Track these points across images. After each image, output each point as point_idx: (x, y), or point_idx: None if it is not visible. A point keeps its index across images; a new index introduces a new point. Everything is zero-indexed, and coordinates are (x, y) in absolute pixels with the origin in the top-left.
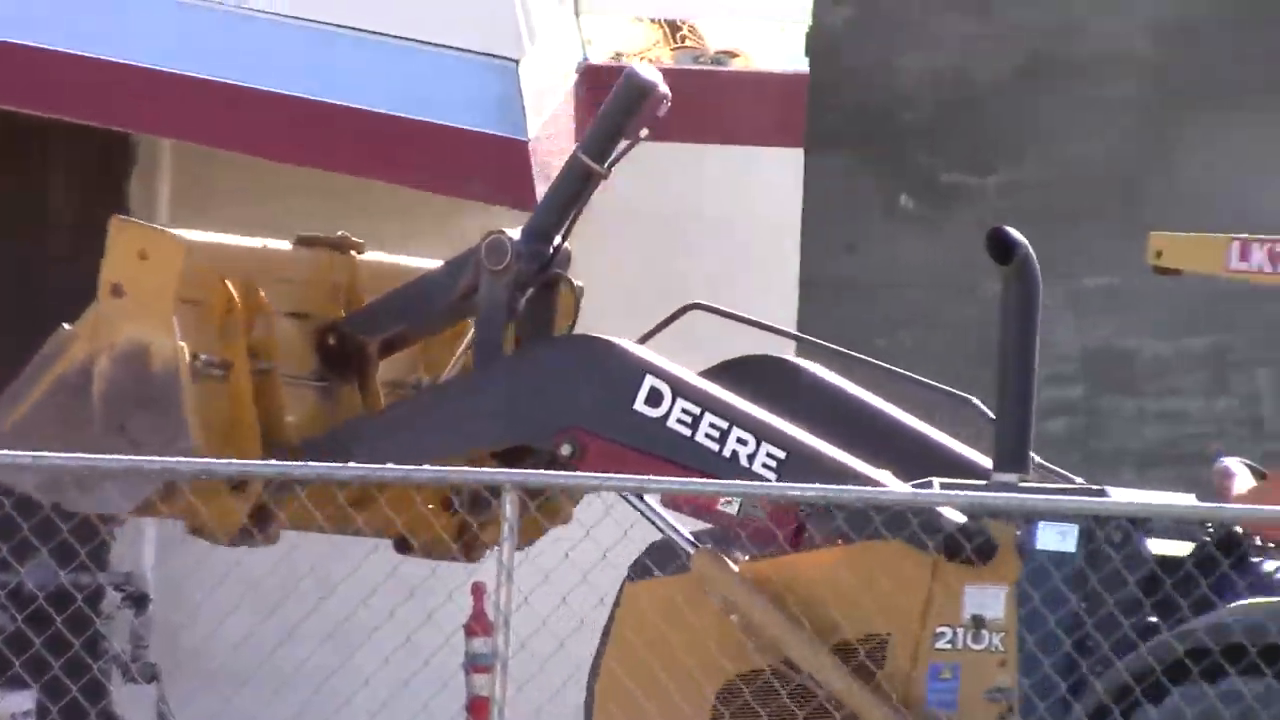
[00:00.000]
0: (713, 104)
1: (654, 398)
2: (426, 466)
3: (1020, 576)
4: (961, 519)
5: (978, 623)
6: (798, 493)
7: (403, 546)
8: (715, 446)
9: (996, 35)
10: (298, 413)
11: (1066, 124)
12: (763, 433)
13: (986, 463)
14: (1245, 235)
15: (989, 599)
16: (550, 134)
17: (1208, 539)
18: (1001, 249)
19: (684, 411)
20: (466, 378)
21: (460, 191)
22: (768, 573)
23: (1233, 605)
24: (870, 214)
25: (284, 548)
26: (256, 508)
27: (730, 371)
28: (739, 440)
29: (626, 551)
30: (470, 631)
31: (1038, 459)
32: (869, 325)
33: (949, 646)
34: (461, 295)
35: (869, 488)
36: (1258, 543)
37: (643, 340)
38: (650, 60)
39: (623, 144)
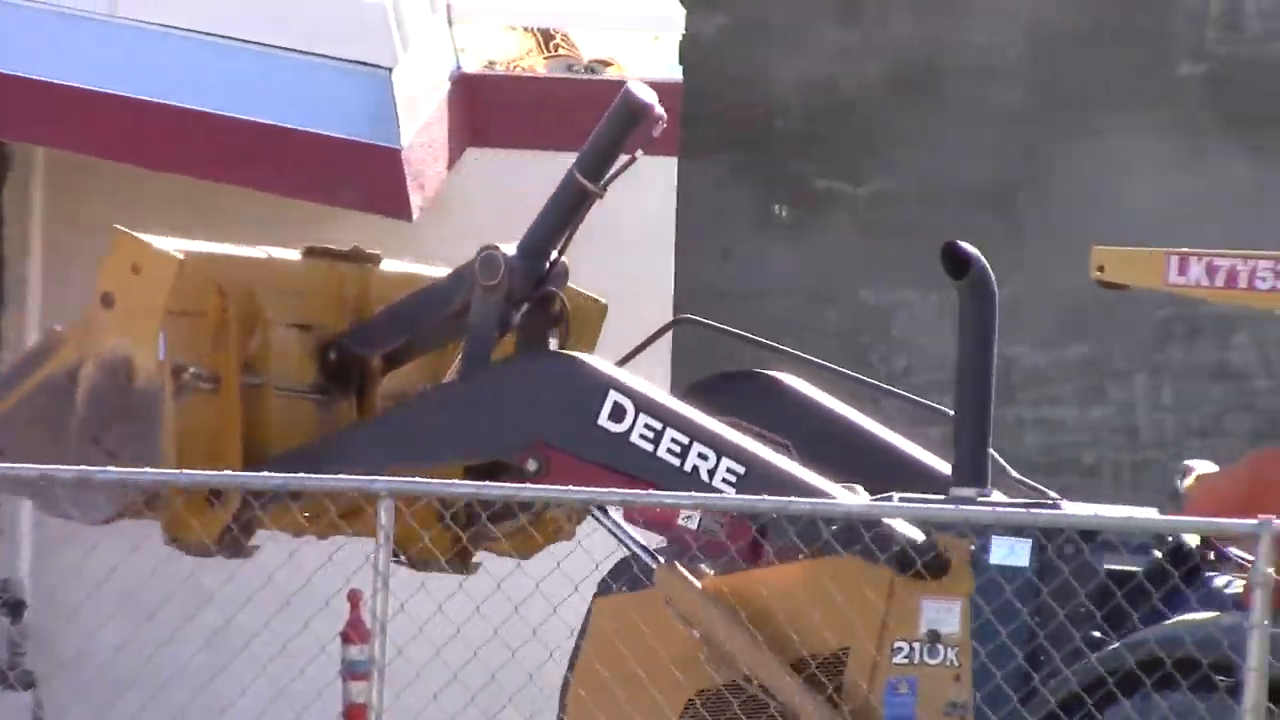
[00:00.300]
0: (586, 113)
1: (617, 413)
2: (304, 475)
3: (974, 591)
4: (919, 534)
5: (933, 637)
6: (749, 505)
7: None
8: (676, 461)
9: (870, 44)
10: (295, 425)
11: (940, 133)
12: (723, 448)
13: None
14: (1184, 249)
15: (944, 614)
16: (424, 142)
17: (1159, 553)
18: (956, 264)
19: (646, 427)
20: (439, 392)
21: (333, 199)
22: (729, 588)
23: (1162, 624)
24: (744, 221)
25: (161, 554)
26: (241, 519)
27: (713, 386)
28: (699, 455)
29: (503, 559)
30: (346, 639)
31: (1014, 474)
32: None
33: (906, 661)
34: (458, 310)
35: (822, 500)
36: (1211, 556)
37: (630, 355)
38: (524, 69)
39: (619, 162)
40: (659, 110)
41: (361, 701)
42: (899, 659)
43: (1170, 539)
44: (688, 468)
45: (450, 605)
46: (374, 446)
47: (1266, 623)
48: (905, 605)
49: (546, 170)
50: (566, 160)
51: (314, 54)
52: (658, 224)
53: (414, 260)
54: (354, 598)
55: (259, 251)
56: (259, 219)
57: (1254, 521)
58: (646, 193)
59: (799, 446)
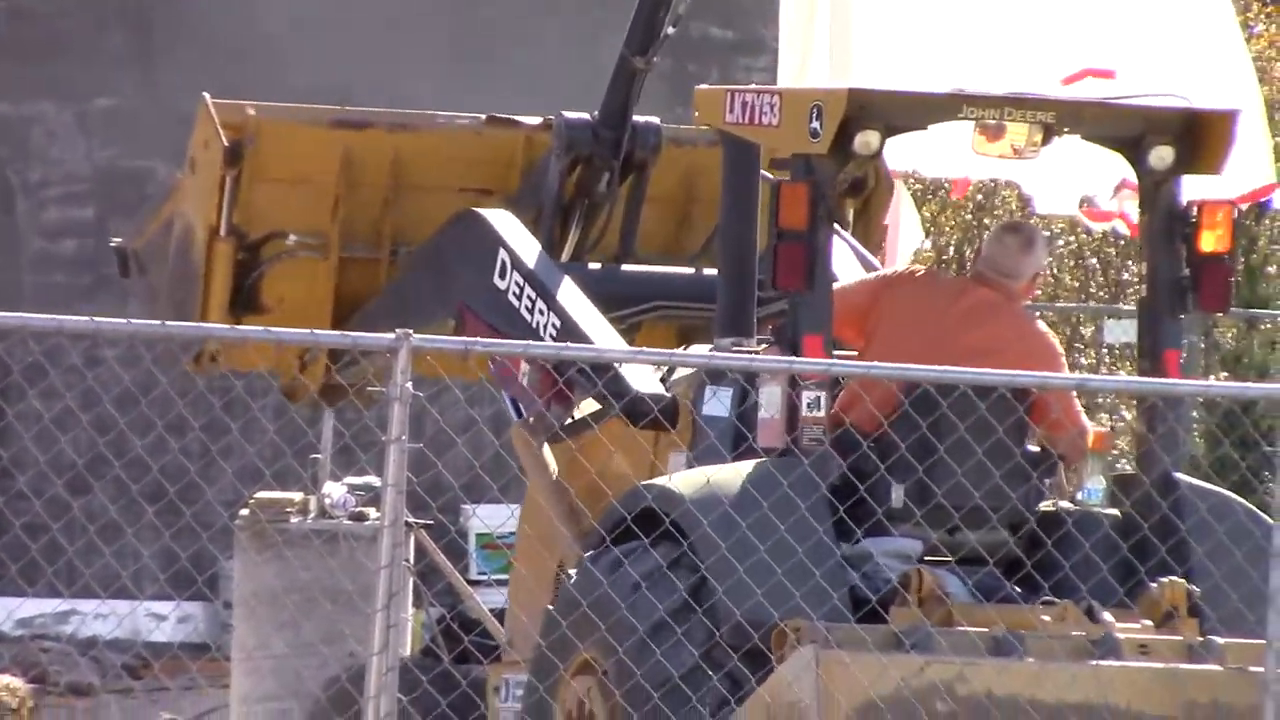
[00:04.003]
0: None
1: (503, 270)
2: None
3: (691, 440)
4: (657, 388)
5: None
6: (514, 349)
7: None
8: (528, 317)
9: None
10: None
11: None
12: (552, 305)
13: None
14: (736, 87)
15: (679, 465)
16: None
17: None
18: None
19: (516, 284)
20: (413, 256)
21: None
22: (560, 450)
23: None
24: None
25: None
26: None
27: None
28: (540, 311)
29: None
30: None
31: None
32: None
33: None
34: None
35: (561, 345)
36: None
37: None
38: None
39: (661, 36)
40: None
41: None
42: None
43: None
44: (533, 324)
45: None
46: (384, 306)
47: (404, 438)
48: (663, 460)
49: None
50: None
51: None
52: None
53: None
54: None
55: (435, 120)
56: None
57: (390, 336)
58: None
59: None
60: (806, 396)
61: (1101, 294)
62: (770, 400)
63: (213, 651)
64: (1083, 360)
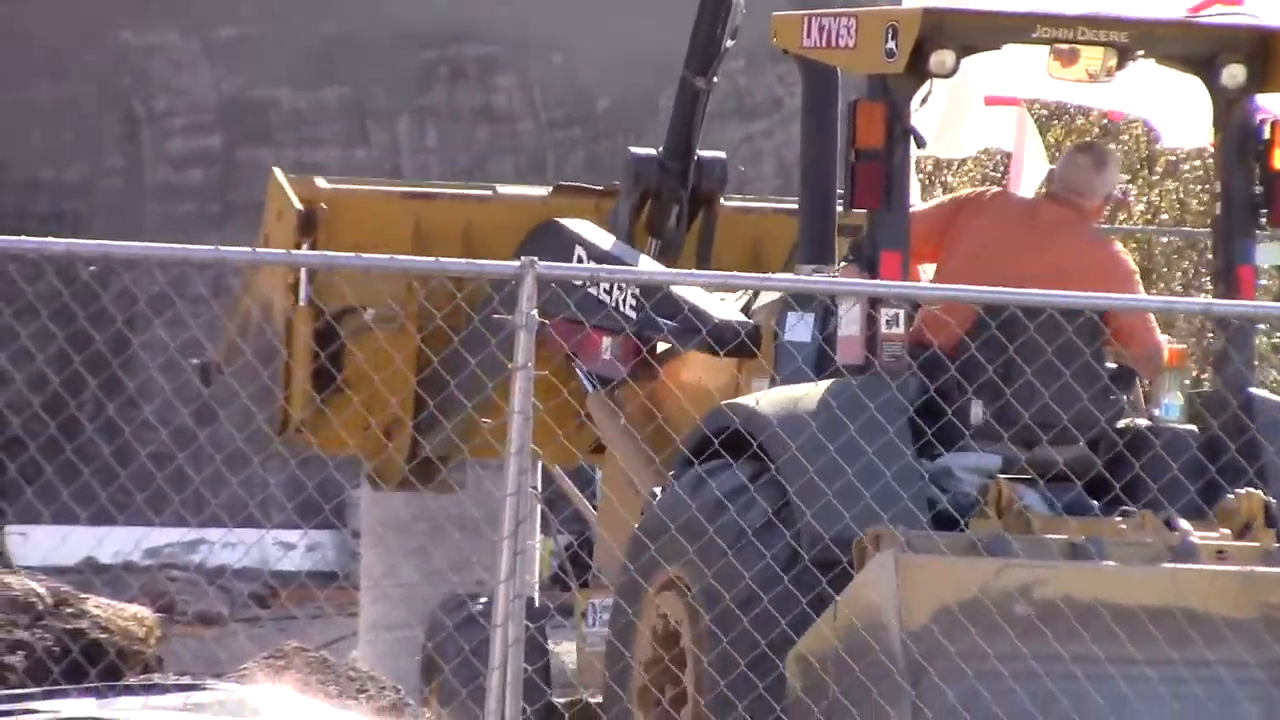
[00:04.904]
0: None
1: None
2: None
3: (775, 366)
4: (739, 316)
5: None
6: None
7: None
8: (608, 299)
9: None
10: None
11: None
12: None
13: None
14: (812, 11)
15: (762, 390)
16: None
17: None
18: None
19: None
20: None
21: None
22: (639, 395)
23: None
24: None
25: None
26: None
27: None
28: (619, 287)
29: None
30: None
31: None
32: None
33: None
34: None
35: (622, 268)
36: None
37: None
38: None
39: (721, 52)
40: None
41: None
42: None
43: None
44: (613, 302)
45: None
46: None
47: (530, 365)
48: (747, 387)
49: None
50: None
51: None
52: None
53: None
54: None
55: (501, 191)
56: None
57: (516, 264)
58: None
59: None
60: (885, 314)
61: None
62: (850, 318)
63: (341, 580)
64: (1208, 285)
